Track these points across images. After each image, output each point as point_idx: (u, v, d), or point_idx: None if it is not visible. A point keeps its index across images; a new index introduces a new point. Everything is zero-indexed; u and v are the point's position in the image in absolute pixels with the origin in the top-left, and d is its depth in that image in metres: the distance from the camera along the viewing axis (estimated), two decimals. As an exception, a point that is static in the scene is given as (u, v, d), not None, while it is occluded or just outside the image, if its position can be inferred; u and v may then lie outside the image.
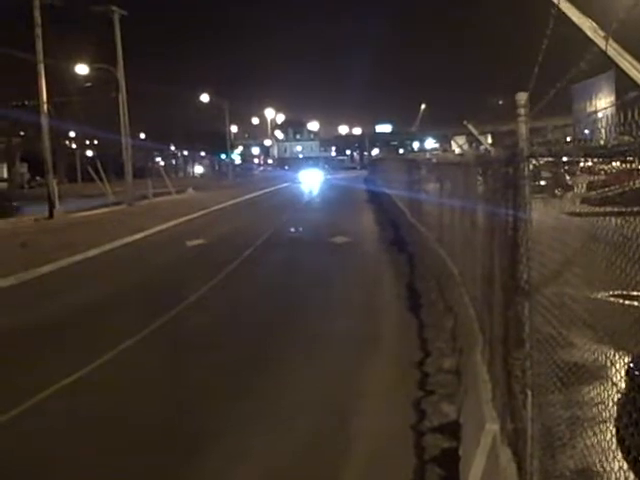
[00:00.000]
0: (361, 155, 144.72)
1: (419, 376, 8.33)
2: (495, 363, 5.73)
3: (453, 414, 6.85)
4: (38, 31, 34.93)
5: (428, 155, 49.23)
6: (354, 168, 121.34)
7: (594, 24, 7.70)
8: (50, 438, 7.15)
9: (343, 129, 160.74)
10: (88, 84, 64.88)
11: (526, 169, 4.48)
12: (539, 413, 4.24)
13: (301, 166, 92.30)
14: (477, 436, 5.49)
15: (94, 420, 7.63)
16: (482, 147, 9.23)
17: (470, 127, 8.29)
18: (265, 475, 6.24)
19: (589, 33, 7.67)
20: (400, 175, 27.76)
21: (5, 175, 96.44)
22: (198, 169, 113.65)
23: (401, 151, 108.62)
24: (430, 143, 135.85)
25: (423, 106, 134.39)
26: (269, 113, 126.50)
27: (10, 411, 7.75)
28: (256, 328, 11.58)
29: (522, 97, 4.50)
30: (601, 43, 7.13)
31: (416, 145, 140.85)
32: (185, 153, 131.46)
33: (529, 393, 4.34)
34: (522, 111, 4.52)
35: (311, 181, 71.85)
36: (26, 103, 63.82)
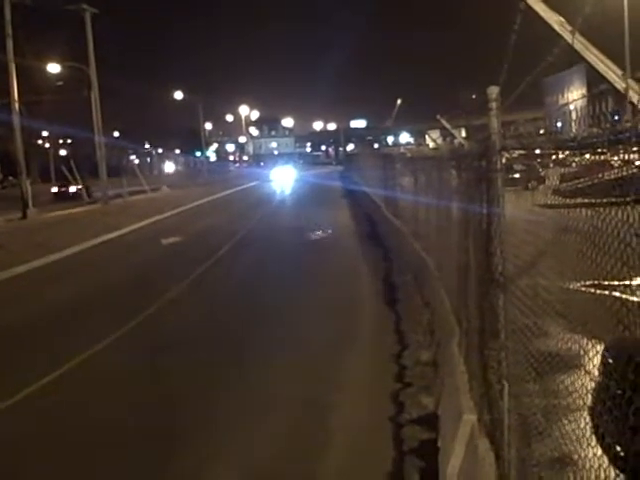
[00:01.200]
0: (336, 150, 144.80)
1: (397, 369, 8.38)
2: (471, 354, 5.80)
3: (431, 406, 6.91)
4: (9, 29, 34.59)
5: (402, 149, 49.37)
6: (329, 164, 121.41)
7: (561, 18, 7.79)
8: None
9: (318, 125, 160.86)
10: (60, 83, 64.33)
11: (499, 162, 4.53)
12: (515, 403, 4.30)
13: (276, 162, 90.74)
14: (455, 427, 5.55)
15: (61, 419, 7.63)
16: (456, 141, 9.30)
17: (443, 121, 8.33)
18: (243, 470, 6.25)
19: (556, 27, 7.76)
20: (375, 170, 27.86)
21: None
22: (172, 167, 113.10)
23: (376, 146, 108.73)
24: (405, 138, 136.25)
25: (399, 101, 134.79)
26: (243, 110, 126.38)
27: None
28: (232, 326, 11.55)
29: (493, 91, 4.55)
30: (568, 37, 7.22)
31: (391, 140, 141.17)
32: (160, 151, 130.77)
33: (505, 383, 4.40)
34: (493, 105, 4.57)
35: (284, 180, 63.92)
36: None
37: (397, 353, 8.96)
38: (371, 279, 14.64)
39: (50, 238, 23.48)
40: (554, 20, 7.20)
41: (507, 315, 4.41)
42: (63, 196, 50.24)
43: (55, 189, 54.72)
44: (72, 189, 51.67)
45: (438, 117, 8.28)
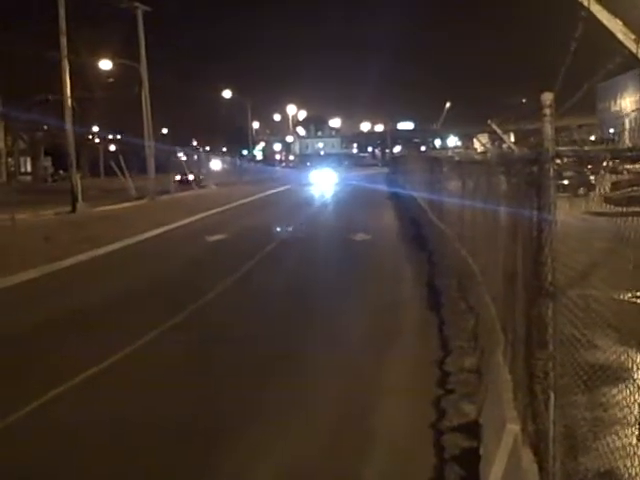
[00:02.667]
0: (382, 152, 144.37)
1: (439, 375, 8.30)
2: (517, 363, 5.70)
3: (473, 413, 6.82)
4: (62, 26, 35.16)
5: (450, 153, 49.00)
6: (375, 165, 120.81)
7: (624, 27, 7.65)
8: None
9: (365, 126, 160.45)
10: (111, 79, 65.27)
11: (551, 169, 4.45)
12: (561, 414, 4.21)
13: (321, 163, 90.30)
14: (498, 436, 5.46)
15: (114, 411, 7.72)
16: (505, 145, 9.18)
17: (494, 126, 8.22)
18: (283, 471, 6.23)
19: (620, 35, 7.62)
20: (421, 173, 27.67)
21: (29, 169, 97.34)
22: (219, 165, 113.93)
23: (423, 148, 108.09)
24: (452, 141, 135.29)
25: (448, 104, 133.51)
26: (291, 109, 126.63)
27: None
28: (275, 323, 11.62)
29: (548, 97, 4.47)
30: (631, 46, 7.07)
31: (438, 143, 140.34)
32: (207, 149, 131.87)
33: (551, 395, 4.32)
34: (547, 111, 4.48)
35: (324, 183, 57.94)
36: (50, 98, 64.25)
37: (440, 359, 8.87)
38: (414, 282, 14.55)
39: (98, 232, 23.80)
40: (617, 29, 7.07)
41: (556, 325, 4.32)
42: (183, 183, 61.97)
43: (178, 177, 65.23)
44: (190, 177, 66.40)
45: (489, 122, 8.18)
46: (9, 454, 6.64)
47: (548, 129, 4.46)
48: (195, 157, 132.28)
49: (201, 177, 67.94)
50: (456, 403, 7.19)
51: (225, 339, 10.69)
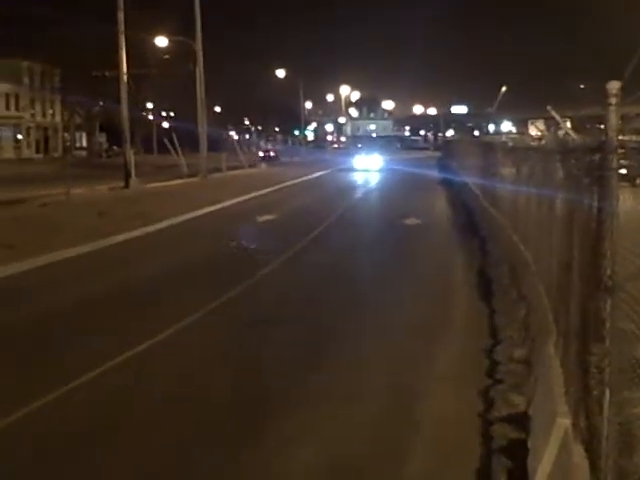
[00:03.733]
0: (435, 136, 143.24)
1: (488, 364, 8.20)
2: (569, 356, 5.59)
3: (522, 405, 6.71)
4: (120, 2, 35.45)
5: (504, 138, 48.33)
6: (427, 149, 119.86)
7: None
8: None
9: (418, 109, 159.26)
10: (166, 56, 65.81)
11: (614, 160, 4.32)
12: (616, 412, 4.11)
13: (373, 145, 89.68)
14: (548, 430, 5.37)
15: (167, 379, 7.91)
16: (561, 132, 8.95)
17: (553, 112, 8.04)
18: (328, 455, 6.23)
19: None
20: (474, 157, 27.35)
21: (84, 144, 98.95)
22: (270, 144, 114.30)
23: (476, 133, 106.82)
24: (506, 126, 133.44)
25: (504, 88, 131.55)
26: (344, 90, 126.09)
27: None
28: (324, 305, 11.64)
29: (614, 86, 4.33)
30: None
31: (492, 128, 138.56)
32: (259, 128, 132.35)
33: (606, 391, 4.21)
34: (613, 100, 4.34)
35: (369, 170, 52.12)
36: (106, 74, 65.08)
37: (489, 348, 8.76)
38: (465, 270, 14.40)
39: (150, 208, 24.09)
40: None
41: (613, 320, 4.21)
42: (266, 158, 71.85)
43: (261, 154, 76.52)
44: (272, 154, 77.94)
45: (548, 108, 7.97)
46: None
47: (613, 118, 4.32)
48: (247, 136, 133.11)
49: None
50: (505, 393, 7.08)
51: (274, 318, 10.78)
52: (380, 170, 53.05)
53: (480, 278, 13.16)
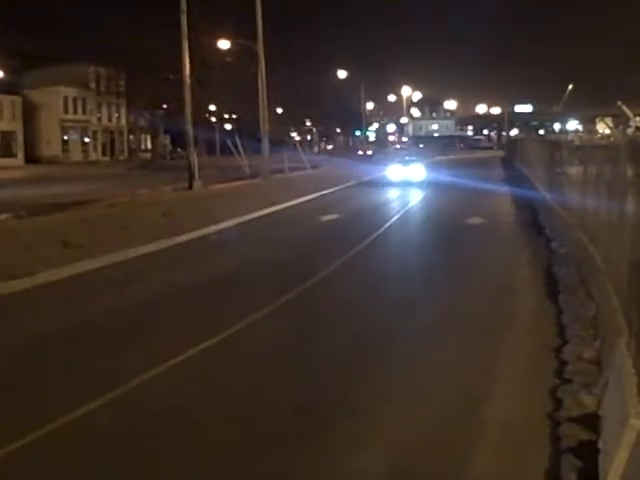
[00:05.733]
0: (499, 135, 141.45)
1: (557, 364, 8.06)
2: (643, 357, 5.47)
3: (592, 406, 6.59)
4: (183, 5, 35.96)
5: (570, 137, 47.35)
6: (490, 148, 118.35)
7: None
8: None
9: (481, 108, 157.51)
10: (228, 59, 66.51)
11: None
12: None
13: (436, 144, 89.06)
14: (619, 431, 5.26)
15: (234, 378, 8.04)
16: (629, 130, 8.74)
17: (624, 108, 7.83)
18: (393, 453, 6.22)
19: None
20: (540, 157, 26.96)
21: (149, 146, 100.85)
22: (331, 145, 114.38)
23: (541, 132, 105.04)
24: (572, 125, 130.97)
25: (570, 86, 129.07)
26: (405, 91, 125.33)
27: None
28: (386, 305, 11.62)
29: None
30: None
31: (557, 126, 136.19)
32: (320, 129, 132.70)
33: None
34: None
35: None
36: (170, 77, 66.09)
37: (557, 347, 8.61)
38: (531, 268, 14.18)
39: (213, 209, 24.40)
40: None
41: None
42: (364, 157, 76.50)
43: (360, 152, 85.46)
44: (369, 152, 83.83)
45: (619, 104, 7.79)
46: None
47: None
48: (308, 137, 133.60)
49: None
50: (574, 393, 6.96)
51: (340, 315, 10.91)
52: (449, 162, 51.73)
53: (546, 277, 12.95)
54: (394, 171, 39.81)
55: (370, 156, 78.33)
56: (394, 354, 8.89)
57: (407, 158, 43.97)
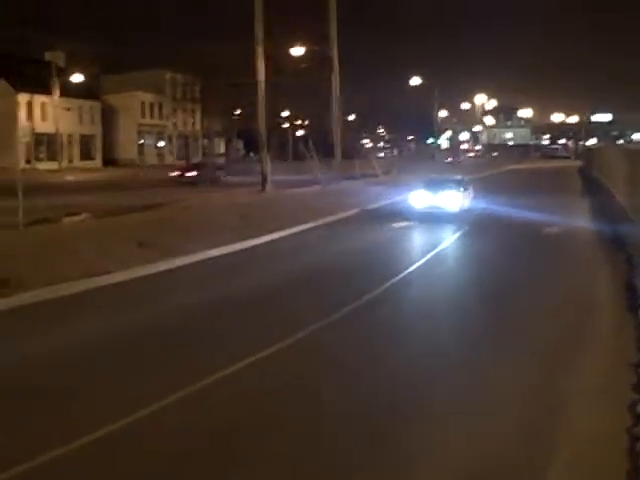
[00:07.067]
0: (576, 144, 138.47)
1: (635, 379, 7.74)
2: None
3: (674, 423, 6.29)
4: (258, 13, 36.30)
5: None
6: (568, 157, 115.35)
7: None
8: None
9: (557, 117, 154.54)
10: (303, 65, 66.86)
11: None
12: None
13: (511, 153, 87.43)
14: None
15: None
16: None
17: None
18: (466, 464, 6.05)
19: None
20: (620, 167, 26.15)
21: (223, 150, 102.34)
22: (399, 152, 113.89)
23: (620, 142, 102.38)
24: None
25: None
26: (480, 99, 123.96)
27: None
28: (462, 314, 11.47)
29: None
30: None
31: (637, 136, 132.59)
32: (391, 136, 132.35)
33: None
34: None
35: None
36: (244, 83, 66.80)
37: (637, 362, 8.27)
38: (611, 282, 13.66)
39: (285, 212, 24.56)
40: None
41: None
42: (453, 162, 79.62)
43: (450, 159, 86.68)
44: (460, 159, 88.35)
45: None
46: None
47: None
48: (380, 144, 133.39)
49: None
50: (654, 410, 6.67)
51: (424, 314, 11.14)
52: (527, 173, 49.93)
53: (627, 291, 12.45)
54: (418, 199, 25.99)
55: (459, 162, 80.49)
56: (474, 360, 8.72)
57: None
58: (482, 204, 27.76)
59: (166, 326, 10.61)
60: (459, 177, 28.94)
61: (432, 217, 23.69)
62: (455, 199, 25.13)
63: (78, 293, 12.59)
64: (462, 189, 26.26)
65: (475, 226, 22.93)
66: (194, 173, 50.07)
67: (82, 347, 9.43)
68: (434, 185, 25.99)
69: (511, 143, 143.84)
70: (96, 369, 8.50)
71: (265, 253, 17.89)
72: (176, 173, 51.19)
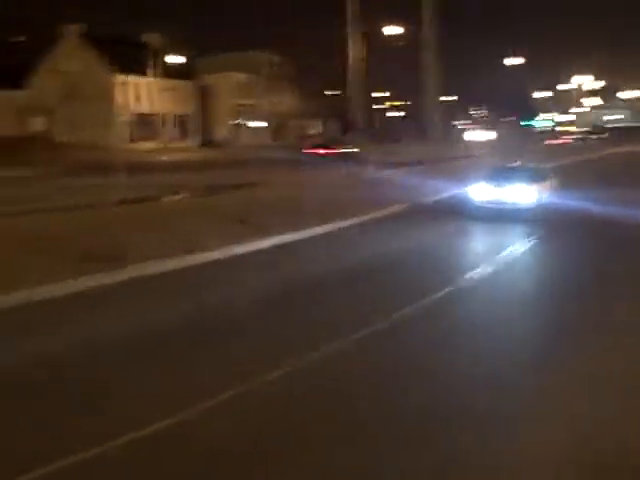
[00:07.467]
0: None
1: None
2: None
3: None
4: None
5: None
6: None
7: None
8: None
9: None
10: (401, 43, 66.48)
11: None
12: None
13: (612, 135, 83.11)
14: None
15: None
16: None
17: None
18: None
19: None
20: None
21: (320, 130, 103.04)
22: (494, 134, 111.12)
23: None
24: None
25: None
26: (578, 80, 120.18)
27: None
28: (532, 317, 10.87)
29: None
30: None
31: None
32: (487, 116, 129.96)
33: None
34: None
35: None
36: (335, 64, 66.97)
37: None
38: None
39: (389, 191, 25.60)
40: None
41: None
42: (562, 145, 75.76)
43: (563, 139, 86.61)
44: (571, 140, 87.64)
45: None
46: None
47: None
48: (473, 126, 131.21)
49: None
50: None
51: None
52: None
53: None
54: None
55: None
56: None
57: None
58: (570, 198, 22.26)
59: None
60: (533, 166, 25.01)
61: (498, 214, 19.89)
62: (527, 192, 20.44)
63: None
64: (539, 180, 21.67)
65: (554, 230, 18.67)
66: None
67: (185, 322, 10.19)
68: (501, 176, 21.71)
69: (610, 125, 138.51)
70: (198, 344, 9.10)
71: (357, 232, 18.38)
72: (311, 150, 49.46)
